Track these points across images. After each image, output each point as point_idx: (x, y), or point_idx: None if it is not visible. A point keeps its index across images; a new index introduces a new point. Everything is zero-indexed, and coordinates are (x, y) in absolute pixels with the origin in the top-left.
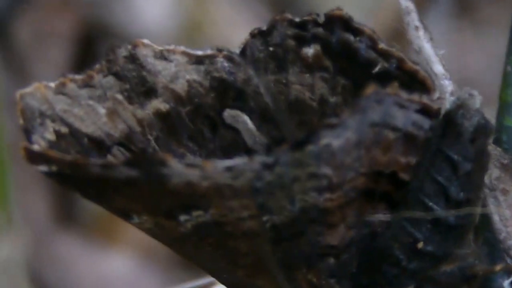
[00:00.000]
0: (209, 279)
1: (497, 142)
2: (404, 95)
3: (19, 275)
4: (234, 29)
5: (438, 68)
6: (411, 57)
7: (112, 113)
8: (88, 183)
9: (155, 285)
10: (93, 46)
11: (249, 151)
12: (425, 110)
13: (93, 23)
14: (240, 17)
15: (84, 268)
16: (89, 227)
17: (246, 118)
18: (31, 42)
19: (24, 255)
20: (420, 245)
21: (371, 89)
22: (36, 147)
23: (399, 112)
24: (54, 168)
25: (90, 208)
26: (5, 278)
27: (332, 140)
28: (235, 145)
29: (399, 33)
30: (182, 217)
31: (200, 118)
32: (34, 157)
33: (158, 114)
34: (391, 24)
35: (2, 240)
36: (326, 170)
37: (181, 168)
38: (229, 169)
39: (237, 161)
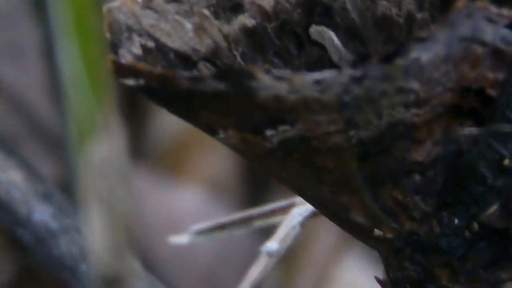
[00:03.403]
0: (286, 201)
1: None
2: (493, 9)
3: (115, 178)
4: None
5: None
6: None
7: (199, 28)
8: (176, 97)
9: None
10: None
11: (335, 68)
12: None
13: None
14: None
15: (154, 202)
16: (158, 161)
17: (332, 34)
18: None
19: (121, 158)
20: (507, 162)
21: (461, 2)
22: (124, 60)
23: (488, 26)
24: (142, 81)
25: (159, 142)
26: (102, 179)
27: (421, 53)
28: (321, 61)
29: None
30: (269, 132)
31: (286, 34)
32: (122, 70)
33: (244, 30)
34: None
35: (99, 142)
36: (414, 84)
37: (269, 81)
38: (317, 82)
39: (325, 74)
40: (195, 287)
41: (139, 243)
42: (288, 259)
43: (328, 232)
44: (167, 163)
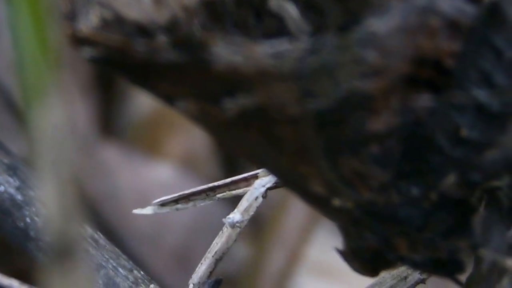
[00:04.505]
0: (249, 173)
1: None
2: None
3: (67, 144)
4: None
5: None
6: None
7: (158, 0)
8: (133, 67)
9: None
10: None
11: (293, 39)
12: None
13: None
14: None
15: (126, 178)
16: (132, 138)
17: (291, 5)
18: None
19: (70, 125)
20: (463, 132)
21: None
22: (81, 31)
23: None
24: (99, 52)
25: (134, 119)
26: (54, 146)
27: (378, 24)
28: (279, 33)
29: None
30: (226, 102)
31: (245, 5)
32: (79, 41)
33: (203, 1)
34: None
35: (50, 107)
36: (371, 55)
37: (225, 51)
38: (273, 52)
39: (282, 45)
40: (168, 260)
41: (111, 217)
42: (259, 235)
43: (299, 208)
44: (141, 139)
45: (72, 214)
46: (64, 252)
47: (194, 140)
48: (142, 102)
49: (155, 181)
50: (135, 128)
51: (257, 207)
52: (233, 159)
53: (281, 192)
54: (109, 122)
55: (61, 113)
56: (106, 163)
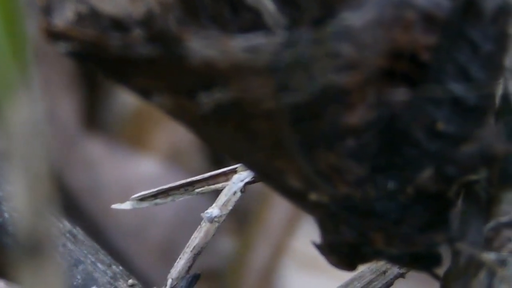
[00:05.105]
0: (228, 167)
1: None
2: None
3: (39, 138)
4: None
5: None
6: None
7: None
8: (108, 62)
9: None
10: None
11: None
12: None
13: None
14: None
15: (111, 172)
16: (116, 132)
17: None
18: None
19: (40, 121)
20: (440, 125)
21: None
22: (56, 25)
23: None
24: (74, 47)
25: (117, 113)
26: (25, 140)
27: (353, 17)
28: (256, 27)
29: None
30: (202, 97)
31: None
32: (54, 35)
33: None
34: None
35: (20, 103)
36: (346, 48)
37: (200, 45)
38: (248, 46)
39: (257, 38)
40: (152, 255)
41: (96, 212)
42: (244, 229)
43: (283, 201)
44: (127, 134)
45: (43, 209)
46: (34, 247)
47: (179, 134)
48: (127, 97)
49: (141, 176)
50: (120, 122)
51: (236, 202)
52: (218, 153)
53: (265, 185)
54: (95, 116)
55: (33, 107)
56: (91, 157)
